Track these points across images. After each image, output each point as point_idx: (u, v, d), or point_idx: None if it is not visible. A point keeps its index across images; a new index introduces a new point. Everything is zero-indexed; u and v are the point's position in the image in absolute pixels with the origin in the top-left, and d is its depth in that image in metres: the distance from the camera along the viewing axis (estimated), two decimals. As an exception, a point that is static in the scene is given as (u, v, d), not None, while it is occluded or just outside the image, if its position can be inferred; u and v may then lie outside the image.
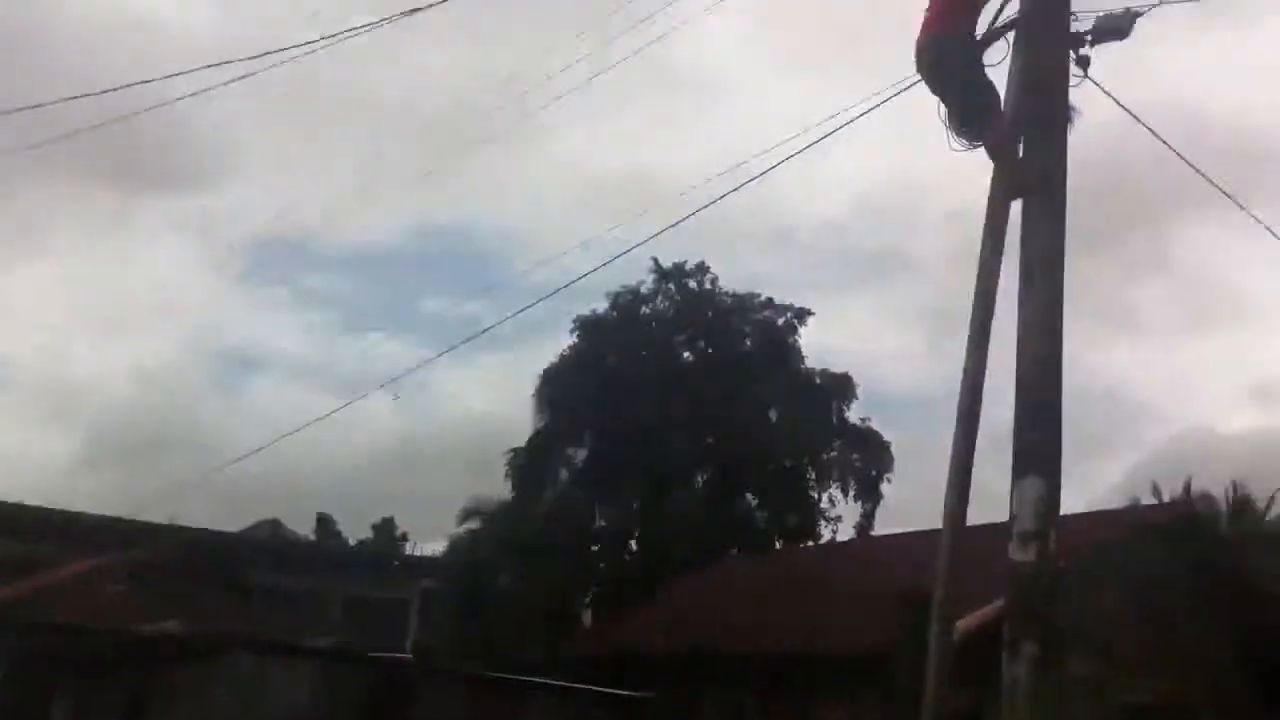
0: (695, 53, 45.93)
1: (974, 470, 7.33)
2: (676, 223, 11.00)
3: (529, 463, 30.12)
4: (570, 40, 11.56)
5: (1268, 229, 9.32)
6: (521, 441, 30.33)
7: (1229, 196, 8.87)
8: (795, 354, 30.39)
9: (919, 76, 7.74)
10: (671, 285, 30.83)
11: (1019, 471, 7.06)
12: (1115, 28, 7.56)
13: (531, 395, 30.27)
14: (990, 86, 7.55)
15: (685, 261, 30.73)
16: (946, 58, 7.52)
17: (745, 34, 47.03)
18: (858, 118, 9.09)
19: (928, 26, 7.56)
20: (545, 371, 30.54)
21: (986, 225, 7.75)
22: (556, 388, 30.01)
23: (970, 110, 7.56)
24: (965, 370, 7.58)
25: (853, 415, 30.33)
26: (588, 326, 30.42)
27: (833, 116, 9.30)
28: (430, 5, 9.84)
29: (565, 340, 30.84)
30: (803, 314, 30.54)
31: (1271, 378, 48.27)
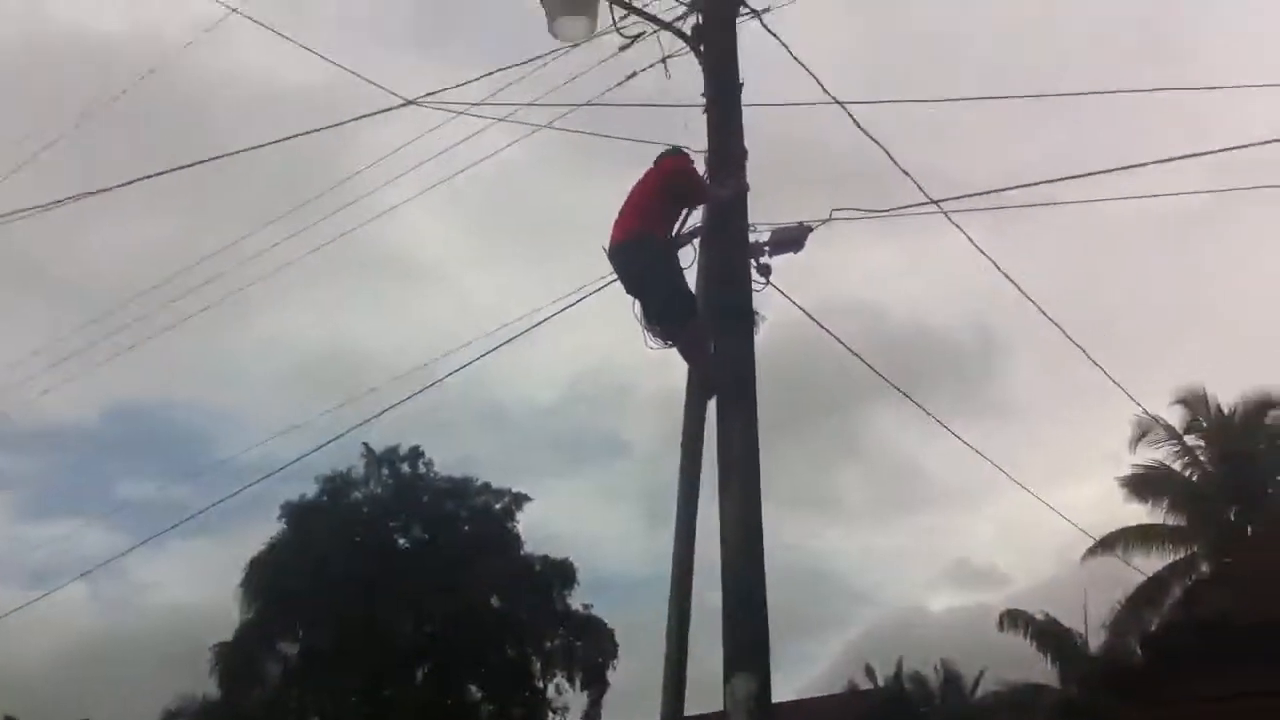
0: (400, 238, 46.44)
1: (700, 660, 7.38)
2: (390, 407, 10.82)
3: (237, 657, 28.60)
4: (272, 221, 11.40)
5: (938, 421, 9.94)
6: (228, 634, 28.86)
7: (903, 393, 9.43)
8: (514, 540, 30.16)
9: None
10: (384, 469, 30.27)
11: (729, 669, 7.01)
12: (791, 240, 7.88)
13: (239, 585, 28.93)
14: (684, 292, 7.70)
15: (398, 445, 30.32)
16: (640, 263, 7.65)
17: (452, 222, 47.97)
18: (569, 307, 9.25)
19: (621, 231, 7.68)
20: (253, 560, 29.20)
21: (685, 424, 7.93)
22: (265, 577, 28.73)
23: (665, 313, 7.73)
24: (673, 570, 7.66)
25: (575, 601, 30.09)
26: (297, 512, 29.36)
27: (543, 308, 9.42)
28: (119, 186, 9.54)
29: (273, 526, 29.69)
30: (520, 499, 30.40)
31: (965, 558, 51.58)
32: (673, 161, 7.87)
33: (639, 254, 7.67)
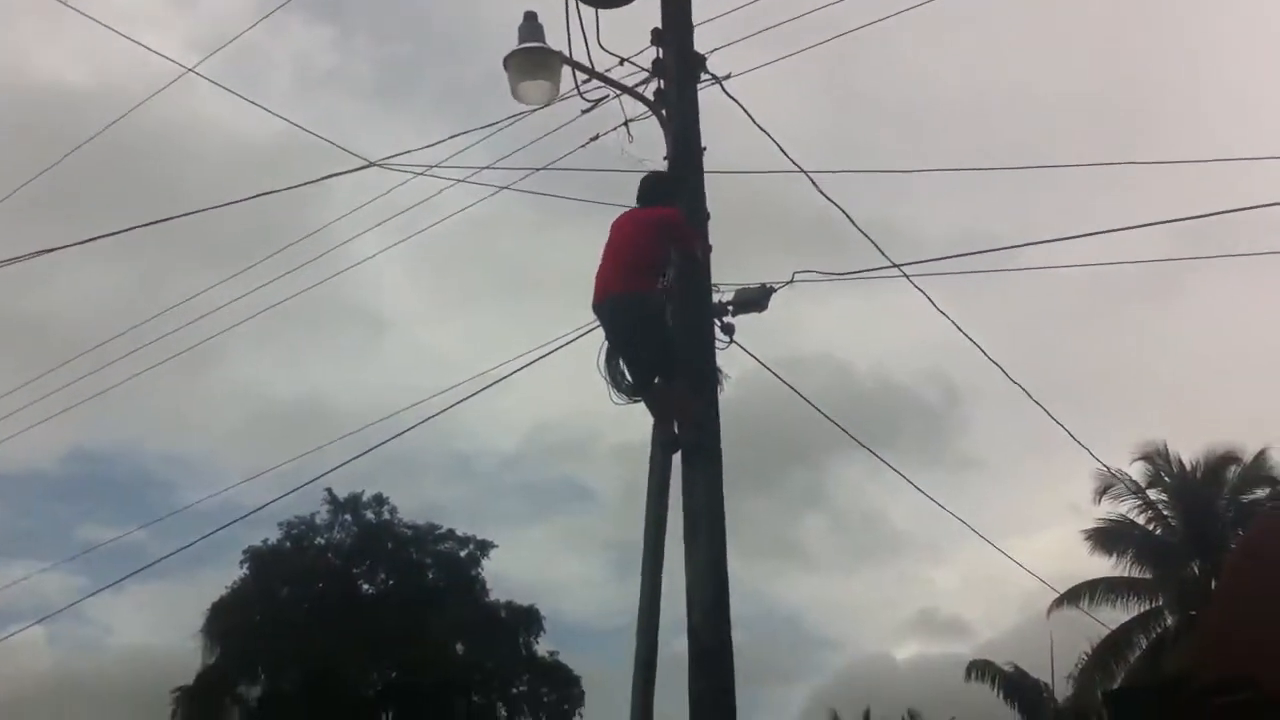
0: (365, 291, 46.71)
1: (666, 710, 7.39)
2: (357, 456, 10.87)
3: (198, 702, 28.18)
4: (238, 273, 11.47)
5: (898, 472, 10.03)
6: (189, 679, 28.40)
7: (867, 448, 9.53)
8: (480, 586, 30.01)
9: (597, 326, 7.99)
10: (348, 516, 30.06)
11: (695, 717, 7.06)
12: (753, 300, 7.97)
13: (200, 629, 28.53)
14: (672, 350, 7.69)
15: (362, 492, 30.11)
16: (634, 320, 7.60)
17: (417, 276, 48.36)
18: (535, 361, 9.33)
19: (614, 283, 7.61)
20: (215, 605, 28.88)
21: (650, 477, 7.97)
22: (227, 621, 28.42)
23: (653, 370, 7.71)
24: (639, 620, 7.68)
25: (541, 648, 29.94)
26: (259, 557, 29.11)
27: (511, 360, 9.50)
28: (81, 242, 9.55)
29: (236, 571, 29.42)
30: (485, 545, 30.23)
31: (931, 608, 51.75)
32: (669, 214, 7.77)
33: (635, 311, 7.60)
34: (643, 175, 8.01)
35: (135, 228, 9.71)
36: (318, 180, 9.10)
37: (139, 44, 10.19)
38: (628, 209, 7.95)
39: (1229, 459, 25.45)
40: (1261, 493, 24.97)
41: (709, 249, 7.93)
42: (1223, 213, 7.88)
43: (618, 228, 7.84)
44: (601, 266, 7.79)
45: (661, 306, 7.70)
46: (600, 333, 7.96)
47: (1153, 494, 25.85)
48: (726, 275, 8.08)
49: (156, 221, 9.72)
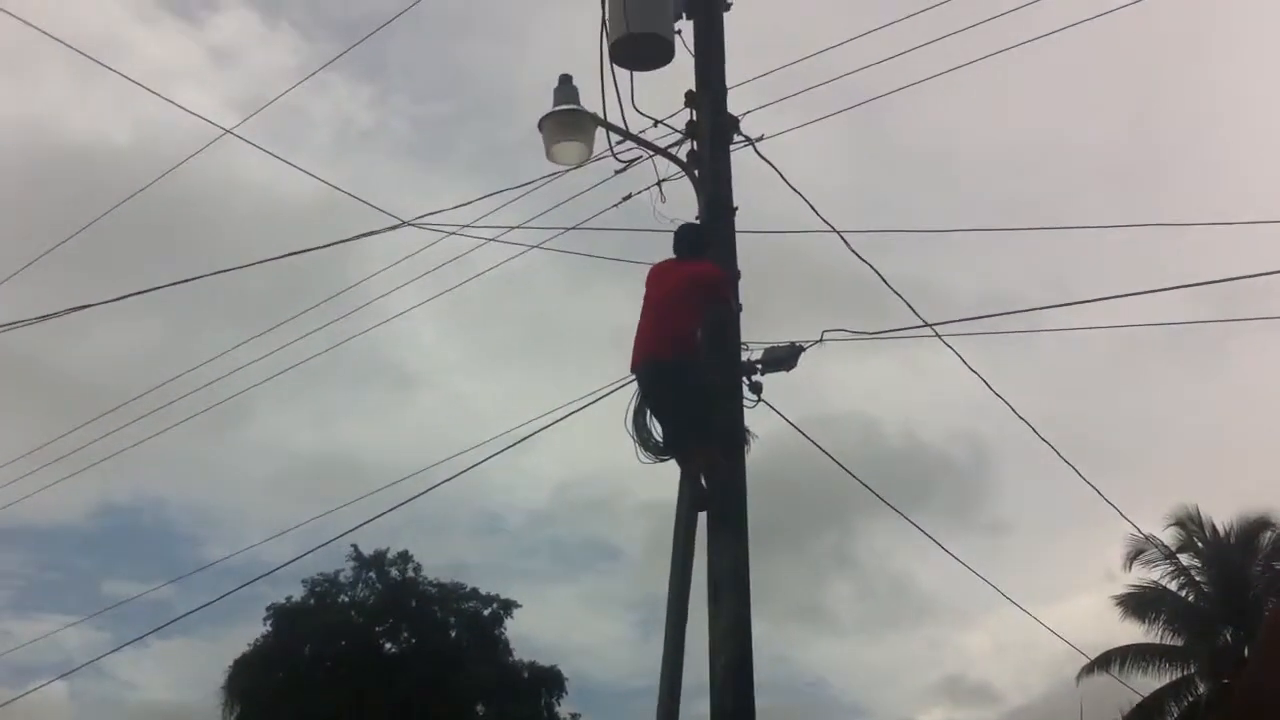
0: (396, 347, 47.17)
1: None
2: (382, 514, 10.85)
3: (217, 760, 28.09)
4: (270, 329, 11.56)
5: (929, 536, 9.95)
6: (209, 737, 28.33)
7: (896, 510, 9.48)
8: (503, 646, 29.77)
9: (626, 383, 8.00)
10: (372, 573, 29.95)
11: (717, 783, 7.08)
12: (781, 359, 7.98)
13: (222, 687, 28.42)
14: (708, 410, 7.69)
15: (387, 549, 29.99)
16: (679, 385, 7.62)
17: (443, 331, 48.73)
18: (564, 418, 9.35)
19: (657, 346, 7.63)
20: (237, 661, 28.77)
21: (675, 538, 7.94)
22: (249, 678, 28.29)
23: (691, 433, 7.71)
24: (662, 680, 7.62)
25: (563, 710, 29.57)
26: (282, 614, 29.03)
27: (539, 417, 9.53)
28: (106, 302, 9.66)
29: (259, 628, 29.30)
30: (509, 605, 30.00)
31: (958, 674, 51.08)
32: (713, 274, 7.80)
33: (678, 378, 7.61)
34: (678, 227, 8.06)
35: (165, 286, 9.82)
36: (350, 240, 9.19)
37: (175, 104, 10.27)
38: (663, 261, 8.01)
39: (1262, 525, 25.21)
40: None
41: (739, 307, 7.97)
42: (1257, 275, 7.86)
43: (657, 282, 7.86)
44: (641, 326, 7.80)
45: (704, 372, 7.71)
46: (629, 389, 7.99)
47: (1185, 559, 25.62)
48: (755, 334, 8.11)
49: (187, 280, 9.82)
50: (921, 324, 8.46)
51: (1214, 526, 25.48)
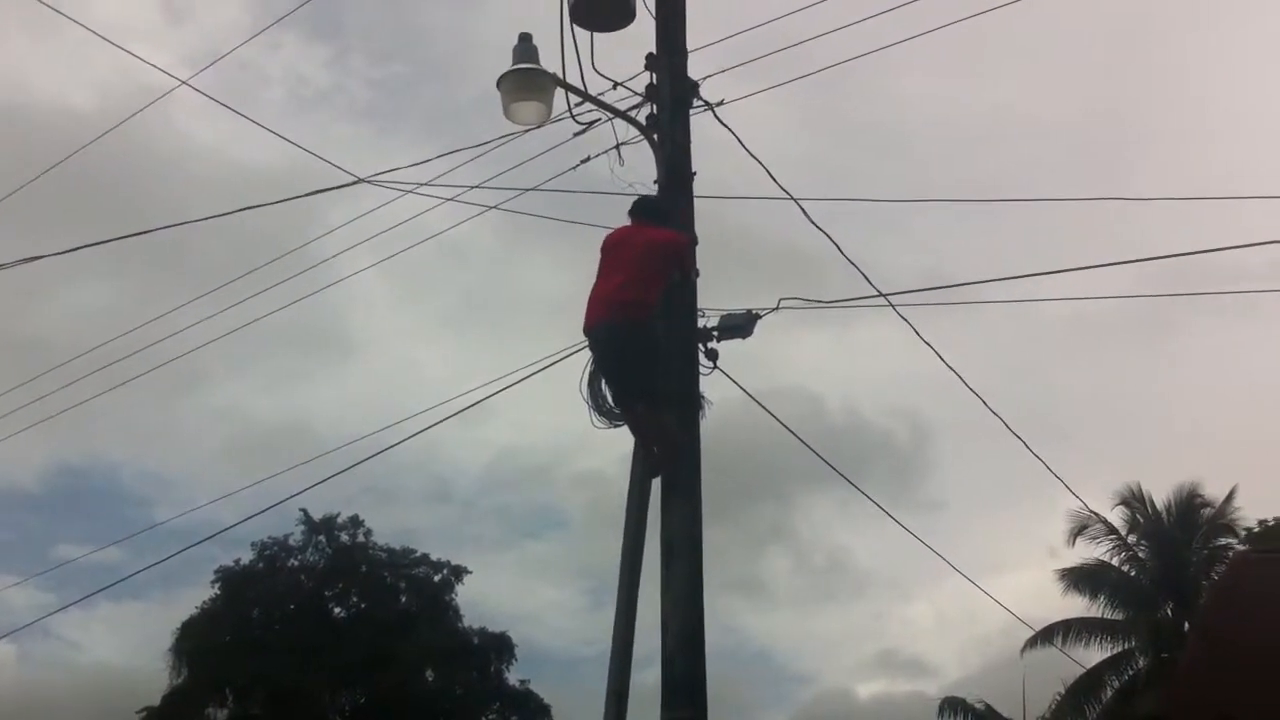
0: (350, 311, 46.78)
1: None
2: (330, 476, 10.78)
3: (164, 722, 27.88)
4: (221, 286, 11.41)
5: (882, 509, 9.99)
6: (155, 699, 28.09)
7: (853, 484, 9.53)
8: (452, 612, 29.81)
9: (578, 349, 7.97)
10: (322, 537, 29.83)
11: (668, 749, 7.08)
12: (738, 326, 7.99)
13: (168, 649, 28.31)
14: (655, 373, 7.67)
15: (337, 514, 29.93)
16: (634, 346, 7.59)
17: (397, 295, 48.45)
18: (513, 384, 9.30)
19: (615, 309, 7.59)
20: (184, 624, 28.69)
21: (629, 504, 7.93)
22: (196, 641, 28.19)
23: (641, 392, 7.69)
24: (613, 648, 7.62)
25: (512, 676, 29.74)
26: (231, 578, 28.91)
27: (489, 383, 9.48)
28: (56, 254, 9.50)
29: (207, 591, 29.19)
30: (459, 571, 30.05)
31: (893, 647, 51.70)
32: (680, 240, 7.80)
33: (631, 340, 7.58)
34: (637, 198, 8.03)
35: (114, 239, 9.67)
36: (305, 195, 9.07)
37: (130, 54, 10.08)
38: (621, 226, 7.97)
39: (1200, 502, 25.61)
40: (1232, 537, 25.10)
41: (697, 274, 7.95)
42: (1205, 251, 7.93)
43: (615, 247, 7.83)
44: (594, 290, 7.77)
45: (657, 335, 7.70)
46: (583, 355, 7.96)
47: (1128, 536, 25.97)
48: (710, 301, 8.10)
49: (137, 234, 9.68)
50: (876, 294, 8.48)
51: (1154, 503, 25.87)
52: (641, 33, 8.30)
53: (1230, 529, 25.23)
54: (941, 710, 26.52)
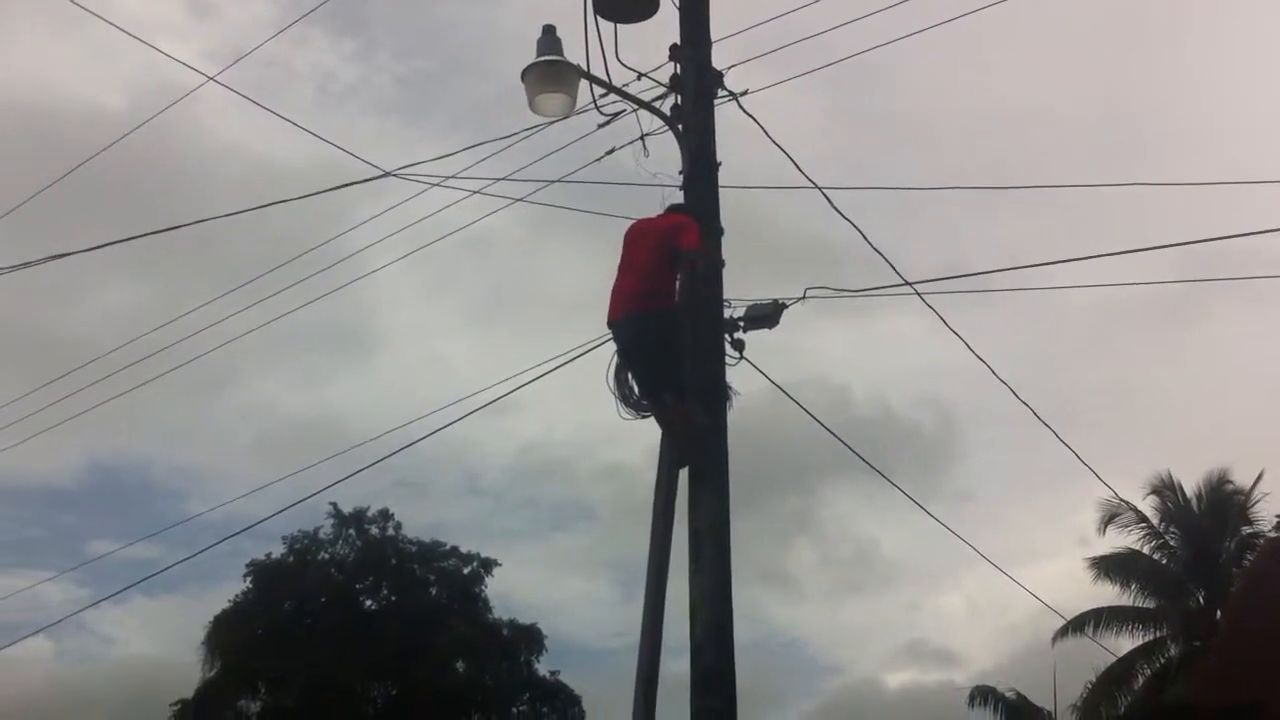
0: (377, 306, 46.93)
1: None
2: (363, 469, 10.86)
3: (197, 715, 28.01)
4: (248, 282, 11.50)
5: (909, 497, 9.98)
6: (189, 691, 28.26)
7: (883, 475, 9.51)
8: (482, 604, 29.88)
9: (604, 342, 7.99)
10: (352, 531, 29.96)
11: (696, 738, 7.10)
12: (764, 316, 7.98)
13: (201, 642, 28.43)
14: (680, 363, 7.67)
15: (367, 507, 29.99)
16: (659, 337, 7.61)
17: (425, 290, 48.56)
18: (540, 377, 9.35)
19: (634, 301, 7.63)
20: (216, 617, 28.83)
21: (656, 495, 7.95)
22: (228, 635, 28.32)
23: (667, 383, 7.72)
24: (642, 637, 7.65)
25: (542, 668, 29.76)
26: (262, 571, 29.05)
27: (515, 375, 9.52)
28: (82, 251, 9.58)
29: (239, 585, 29.32)
30: (489, 563, 30.07)
31: (921, 637, 51.63)
32: (680, 219, 7.79)
33: (653, 330, 7.60)
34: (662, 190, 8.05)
35: (143, 235, 9.75)
36: (332, 190, 9.12)
37: (157, 49, 10.14)
38: (642, 218, 7.98)
39: (1231, 489, 25.45)
40: (1264, 524, 24.94)
41: (722, 264, 7.94)
42: (1233, 236, 7.87)
43: (636, 238, 7.86)
44: (618, 281, 7.80)
45: (679, 323, 7.70)
46: (610, 347, 7.97)
47: (1159, 524, 25.83)
48: (735, 291, 8.10)
49: (165, 230, 9.74)
50: (902, 283, 8.45)
51: (1184, 490, 25.73)
52: (665, 23, 8.30)
53: (1260, 518, 25.07)
54: (972, 699, 26.44)
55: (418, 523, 34.71)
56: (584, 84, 8.18)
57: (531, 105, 8.15)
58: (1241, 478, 25.50)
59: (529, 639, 29.69)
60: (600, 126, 8.50)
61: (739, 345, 7.98)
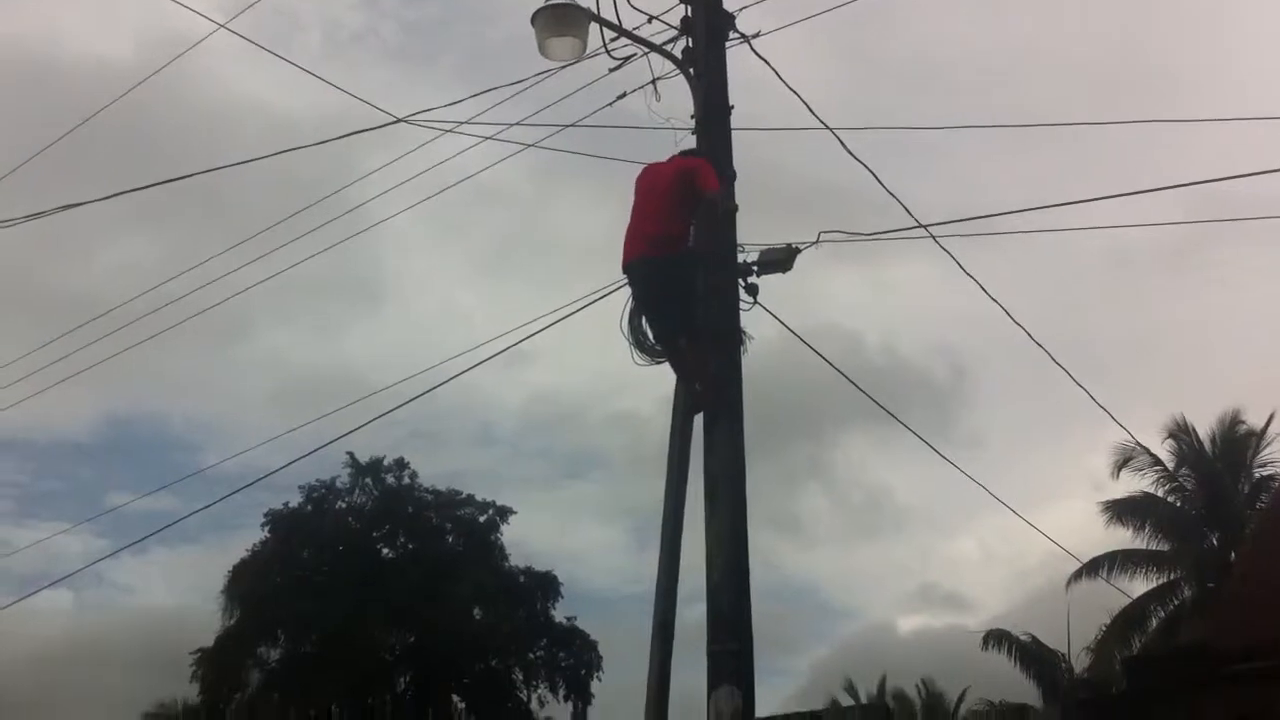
0: (389, 256, 46.85)
1: (681, 676, 7.42)
2: (375, 418, 10.89)
3: (218, 663, 28.36)
4: (263, 231, 11.49)
5: (924, 440, 9.99)
6: (208, 640, 28.60)
7: (898, 420, 9.50)
8: (498, 551, 30.04)
9: (618, 288, 7.96)
10: (369, 480, 30.09)
11: (713, 681, 7.11)
12: (778, 260, 7.95)
13: (220, 591, 28.71)
14: (693, 307, 7.67)
15: (384, 457, 30.10)
16: (673, 280, 7.62)
17: (436, 238, 48.40)
18: (552, 324, 9.34)
19: (649, 244, 7.60)
20: (235, 567, 29.02)
21: (671, 440, 7.98)
22: (247, 584, 28.56)
23: (680, 327, 7.72)
24: (659, 581, 7.70)
25: (559, 614, 30.00)
26: (280, 521, 29.22)
27: (528, 323, 9.52)
28: (93, 201, 9.58)
29: (257, 534, 29.52)
30: (504, 511, 30.22)
31: (933, 582, 51.76)
32: (692, 162, 7.74)
33: (666, 273, 7.58)
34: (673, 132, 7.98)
35: (153, 185, 9.77)
36: (343, 136, 9.09)
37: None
38: (654, 162, 7.93)
39: (1245, 430, 25.40)
40: (1277, 465, 24.94)
41: (735, 207, 7.89)
42: (1241, 176, 7.78)
43: (649, 182, 7.81)
44: (631, 225, 7.76)
45: (693, 267, 7.67)
46: (624, 293, 7.96)
47: (1173, 466, 25.80)
48: (746, 236, 8.06)
49: (175, 179, 9.76)
50: (915, 225, 8.40)
51: (1197, 433, 25.68)
52: (676, -36, 8.19)
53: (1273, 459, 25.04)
54: (986, 642, 26.61)
55: (433, 472, 34.79)
56: (594, 27, 8.12)
57: (541, 49, 8.09)
58: (1255, 419, 25.48)
59: (545, 585, 29.90)
60: (611, 71, 8.45)
61: (753, 290, 7.97)
